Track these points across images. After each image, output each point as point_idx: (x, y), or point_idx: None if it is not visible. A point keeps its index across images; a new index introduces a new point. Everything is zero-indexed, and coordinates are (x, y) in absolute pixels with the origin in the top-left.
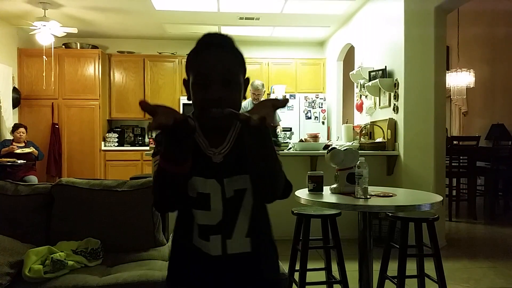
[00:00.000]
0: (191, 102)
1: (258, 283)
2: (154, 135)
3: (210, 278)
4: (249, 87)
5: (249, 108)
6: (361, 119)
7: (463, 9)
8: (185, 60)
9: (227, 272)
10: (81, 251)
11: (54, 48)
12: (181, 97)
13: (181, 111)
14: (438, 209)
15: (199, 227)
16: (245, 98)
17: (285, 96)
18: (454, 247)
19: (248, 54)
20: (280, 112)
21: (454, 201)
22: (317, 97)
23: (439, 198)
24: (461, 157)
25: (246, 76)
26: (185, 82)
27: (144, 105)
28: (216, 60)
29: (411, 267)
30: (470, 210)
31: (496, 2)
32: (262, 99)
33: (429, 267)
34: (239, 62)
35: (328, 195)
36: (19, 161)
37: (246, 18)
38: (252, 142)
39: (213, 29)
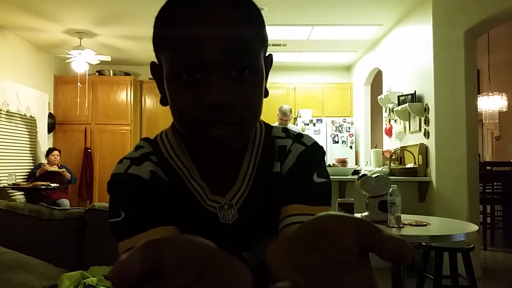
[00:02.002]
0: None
1: None
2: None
3: None
4: (276, 112)
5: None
6: (390, 144)
7: (493, 33)
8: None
9: None
10: None
11: (88, 75)
12: None
13: None
14: (474, 238)
15: None
16: (267, 95)
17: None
18: (491, 278)
19: (274, 79)
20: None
21: (489, 229)
22: (344, 121)
23: (474, 227)
24: (495, 183)
25: (268, 53)
26: (155, 70)
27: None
28: (214, 25)
29: None
30: (507, 238)
31: None
32: (289, 124)
33: None
34: (257, 26)
35: None
36: (52, 185)
37: (273, 45)
38: None
39: None
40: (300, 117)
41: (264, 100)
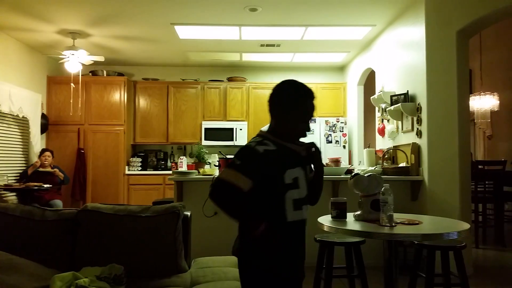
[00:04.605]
0: (274, 117)
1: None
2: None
3: (302, 239)
4: None
5: None
6: (383, 143)
7: (484, 32)
8: (287, 92)
9: (303, 231)
10: (104, 277)
11: (81, 75)
12: (203, 122)
13: (203, 135)
14: (465, 236)
15: (293, 202)
16: None
17: None
18: (482, 276)
19: (268, 79)
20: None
21: (480, 227)
22: (337, 121)
23: (466, 225)
24: (487, 182)
25: None
26: (281, 105)
27: None
28: (313, 108)
29: None
30: (498, 236)
31: None
32: None
33: None
34: None
35: (352, 222)
36: (45, 186)
37: (267, 45)
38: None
39: (235, 56)
40: None
41: (259, 100)
